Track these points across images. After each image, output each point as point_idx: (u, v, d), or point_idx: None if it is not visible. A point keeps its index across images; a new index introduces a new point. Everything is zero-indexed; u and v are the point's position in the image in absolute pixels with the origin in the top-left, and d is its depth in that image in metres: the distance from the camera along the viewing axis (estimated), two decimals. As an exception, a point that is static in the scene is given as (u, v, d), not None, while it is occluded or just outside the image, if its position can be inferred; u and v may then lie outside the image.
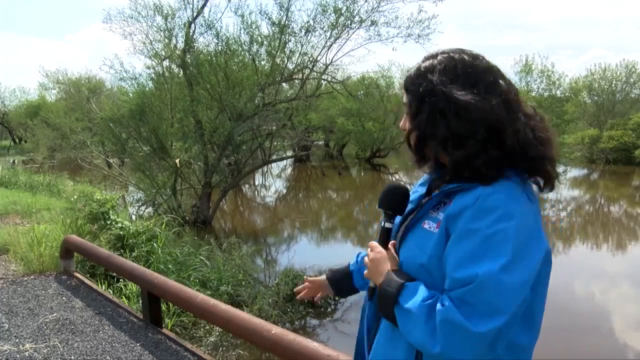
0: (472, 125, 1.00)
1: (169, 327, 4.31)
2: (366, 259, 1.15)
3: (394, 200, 1.16)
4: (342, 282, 1.50)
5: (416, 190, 1.23)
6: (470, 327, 0.89)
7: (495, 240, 0.92)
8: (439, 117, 1.03)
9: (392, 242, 1.15)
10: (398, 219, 1.19)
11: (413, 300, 0.97)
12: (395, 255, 1.12)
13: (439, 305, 0.94)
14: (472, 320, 0.89)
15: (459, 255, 0.95)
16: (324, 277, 1.56)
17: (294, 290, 1.72)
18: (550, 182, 1.07)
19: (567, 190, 19.99)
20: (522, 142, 1.01)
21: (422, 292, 0.98)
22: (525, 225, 0.96)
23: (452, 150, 1.03)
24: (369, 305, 1.20)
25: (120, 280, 4.95)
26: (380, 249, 1.13)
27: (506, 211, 0.95)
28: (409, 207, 1.17)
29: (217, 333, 4.87)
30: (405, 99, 1.12)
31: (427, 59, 1.11)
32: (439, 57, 1.09)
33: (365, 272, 1.15)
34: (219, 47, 10.57)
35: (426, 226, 1.06)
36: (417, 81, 1.08)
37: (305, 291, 1.60)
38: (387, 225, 1.15)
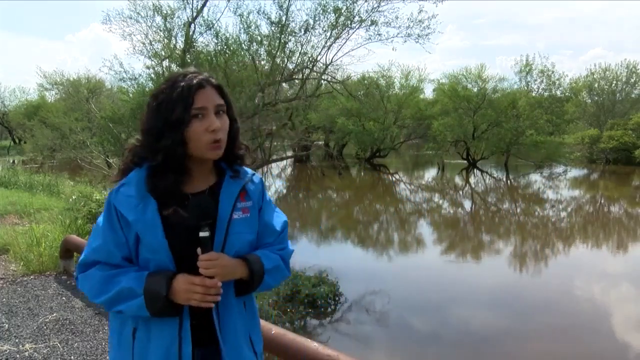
0: None
1: (169, 327, 4.30)
2: (210, 271, 1.21)
3: (210, 211, 1.26)
4: None
5: (130, 195, 1.26)
6: (291, 250, 1.45)
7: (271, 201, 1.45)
8: None
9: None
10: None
11: (273, 260, 1.35)
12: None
13: (279, 251, 1.39)
14: (288, 245, 1.44)
15: (272, 217, 1.42)
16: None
17: None
18: None
19: (567, 190, 20.00)
20: None
21: (267, 253, 1.35)
22: None
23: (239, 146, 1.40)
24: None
25: (120, 280, 4.94)
26: (221, 254, 1.25)
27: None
28: (153, 208, 1.25)
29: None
30: (220, 100, 1.28)
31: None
32: None
33: (218, 278, 1.22)
34: (219, 47, 10.56)
35: (236, 216, 1.31)
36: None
37: None
38: (210, 233, 1.24)
